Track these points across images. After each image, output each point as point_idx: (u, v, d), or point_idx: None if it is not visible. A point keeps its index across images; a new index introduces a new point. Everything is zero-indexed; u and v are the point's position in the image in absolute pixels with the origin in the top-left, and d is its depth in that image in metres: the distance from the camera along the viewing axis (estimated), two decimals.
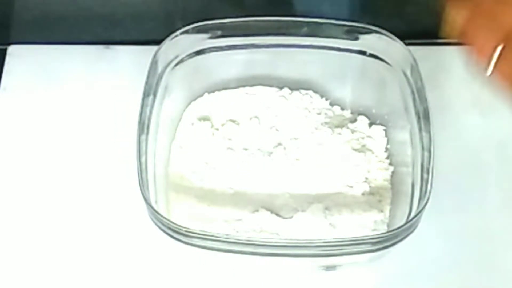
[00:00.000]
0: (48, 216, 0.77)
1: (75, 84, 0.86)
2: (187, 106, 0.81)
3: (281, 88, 0.82)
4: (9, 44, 0.89)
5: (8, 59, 0.88)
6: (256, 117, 0.81)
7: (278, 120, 0.81)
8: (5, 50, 0.89)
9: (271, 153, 0.78)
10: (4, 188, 0.79)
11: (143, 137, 0.71)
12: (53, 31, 0.88)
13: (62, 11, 0.86)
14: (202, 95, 0.82)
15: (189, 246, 0.67)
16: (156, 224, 0.68)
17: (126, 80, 0.84)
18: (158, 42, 0.76)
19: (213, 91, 0.82)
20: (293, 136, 0.79)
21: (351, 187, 0.76)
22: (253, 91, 0.82)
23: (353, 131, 0.79)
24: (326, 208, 0.74)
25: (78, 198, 0.78)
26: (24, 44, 0.89)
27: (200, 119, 0.80)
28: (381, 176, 0.77)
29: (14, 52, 0.89)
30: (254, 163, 0.78)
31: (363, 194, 0.76)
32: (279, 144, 0.79)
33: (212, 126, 0.80)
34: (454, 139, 0.80)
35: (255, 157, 0.78)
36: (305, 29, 0.77)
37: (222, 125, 0.80)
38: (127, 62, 0.86)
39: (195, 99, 0.81)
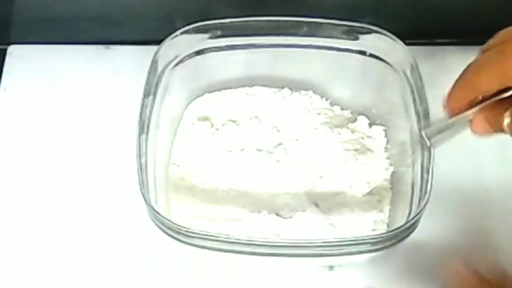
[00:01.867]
0: (48, 216, 0.77)
1: (75, 84, 0.85)
2: (187, 106, 0.81)
3: (281, 88, 0.82)
4: (9, 44, 0.89)
5: (8, 59, 0.88)
6: (256, 117, 0.81)
7: (278, 121, 0.80)
8: (5, 50, 0.88)
9: (271, 153, 0.78)
10: (4, 187, 0.79)
11: (143, 137, 0.71)
12: (53, 31, 0.88)
13: (62, 11, 0.86)
14: (202, 95, 0.81)
15: (189, 246, 0.67)
16: (156, 224, 0.68)
17: (126, 80, 0.84)
18: (158, 42, 0.76)
19: (213, 91, 0.82)
20: (294, 137, 0.79)
21: (351, 187, 0.76)
22: (253, 91, 0.82)
23: (353, 131, 0.79)
24: (326, 208, 0.74)
25: (78, 198, 0.78)
26: (24, 44, 0.89)
27: (200, 119, 0.80)
28: (381, 176, 0.77)
29: (14, 52, 0.88)
30: (254, 163, 0.78)
31: (363, 194, 0.76)
32: (279, 144, 0.79)
33: (212, 126, 0.80)
34: (454, 139, 0.80)
35: (255, 157, 0.78)
36: (305, 29, 0.77)
37: (222, 125, 0.80)
38: (127, 62, 0.86)
39: (195, 99, 0.81)
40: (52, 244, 0.75)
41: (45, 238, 0.76)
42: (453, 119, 0.59)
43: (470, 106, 0.55)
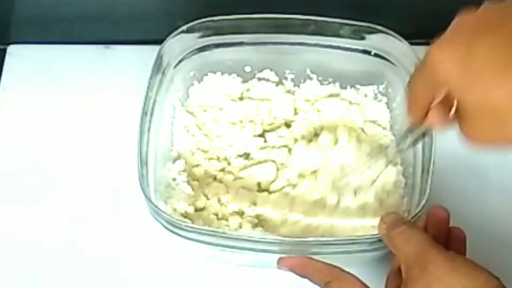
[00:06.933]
0: (48, 214, 0.77)
1: (75, 84, 0.86)
2: (188, 102, 0.81)
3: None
4: (9, 44, 0.89)
5: (8, 59, 0.88)
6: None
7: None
8: (5, 50, 0.89)
9: (287, 154, 0.78)
10: (4, 187, 0.79)
11: (145, 132, 0.71)
12: (53, 31, 0.88)
13: (62, 11, 0.86)
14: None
15: (189, 241, 0.66)
16: (156, 219, 0.67)
17: (126, 79, 0.85)
18: (158, 42, 0.76)
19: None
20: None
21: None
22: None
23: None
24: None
25: (78, 196, 0.78)
26: (24, 44, 0.89)
27: (199, 117, 0.80)
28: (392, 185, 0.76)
29: (14, 52, 0.89)
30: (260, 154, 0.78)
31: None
32: (294, 142, 0.79)
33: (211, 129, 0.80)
34: (454, 139, 0.80)
35: (261, 158, 0.78)
36: (311, 28, 0.76)
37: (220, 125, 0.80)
38: (127, 62, 0.87)
39: (195, 91, 0.81)
40: (52, 241, 0.76)
41: (44, 238, 0.76)
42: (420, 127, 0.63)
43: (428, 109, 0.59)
